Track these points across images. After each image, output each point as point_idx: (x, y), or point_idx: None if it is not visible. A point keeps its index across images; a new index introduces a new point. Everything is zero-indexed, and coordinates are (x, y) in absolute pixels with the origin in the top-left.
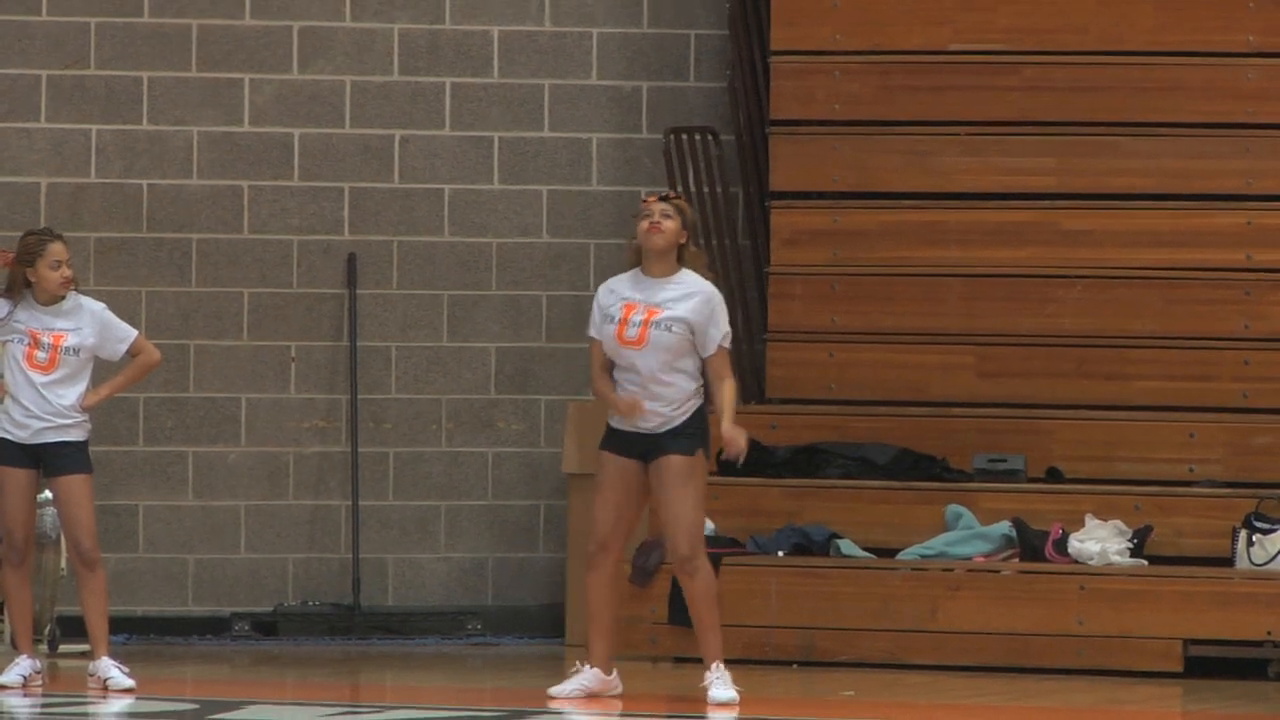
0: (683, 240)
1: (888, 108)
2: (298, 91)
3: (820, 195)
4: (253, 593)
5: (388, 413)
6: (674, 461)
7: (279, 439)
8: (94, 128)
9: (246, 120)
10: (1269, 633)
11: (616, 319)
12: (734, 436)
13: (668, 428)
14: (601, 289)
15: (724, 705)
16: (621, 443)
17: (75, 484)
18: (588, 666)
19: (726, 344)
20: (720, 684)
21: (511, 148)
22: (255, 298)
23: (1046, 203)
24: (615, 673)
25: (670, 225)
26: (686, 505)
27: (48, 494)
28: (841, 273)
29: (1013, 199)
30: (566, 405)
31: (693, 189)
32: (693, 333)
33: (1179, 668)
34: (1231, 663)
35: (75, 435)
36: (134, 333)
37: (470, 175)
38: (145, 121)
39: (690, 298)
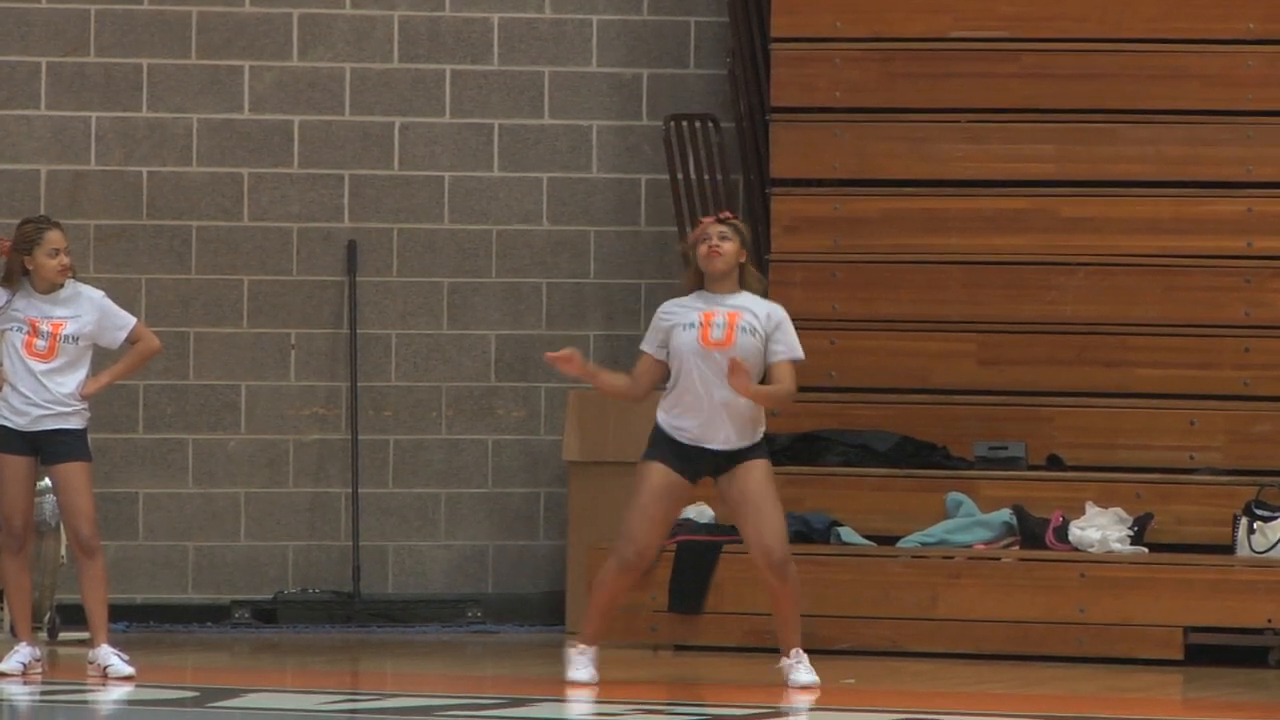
0: (742, 260)
1: (888, 95)
2: (298, 79)
3: (821, 183)
4: (253, 580)
5: (388, 400)
6: (759, 468)
7: (279, 426)
8: (94, 115)
9: (246, 107)
10: (1269, 620)
11: (697, 323)
12: (736, 365)
13: (740, 446)
14: (664, 308)
15: (807, 688)
16: (679, 458)
17: (74, 471)
18: (587, 647)
19: (794, 355)
20: (802, 668)
21: (511, 135)
22: (255, 285)
23: (1047, 190)
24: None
25: (729, 247)
26: (778, 511)
27: (47, 482)
28: (842, 260)
29: (1013, 186)
30: (567, 393)
31: (693, 176)
32: (763, 347)
33: (1180, 655)
34: (1232, 650)
35: (74, 423)
36: (133, 320)
37: (470, 162)
38: (145, 109)
39: (758, 308)
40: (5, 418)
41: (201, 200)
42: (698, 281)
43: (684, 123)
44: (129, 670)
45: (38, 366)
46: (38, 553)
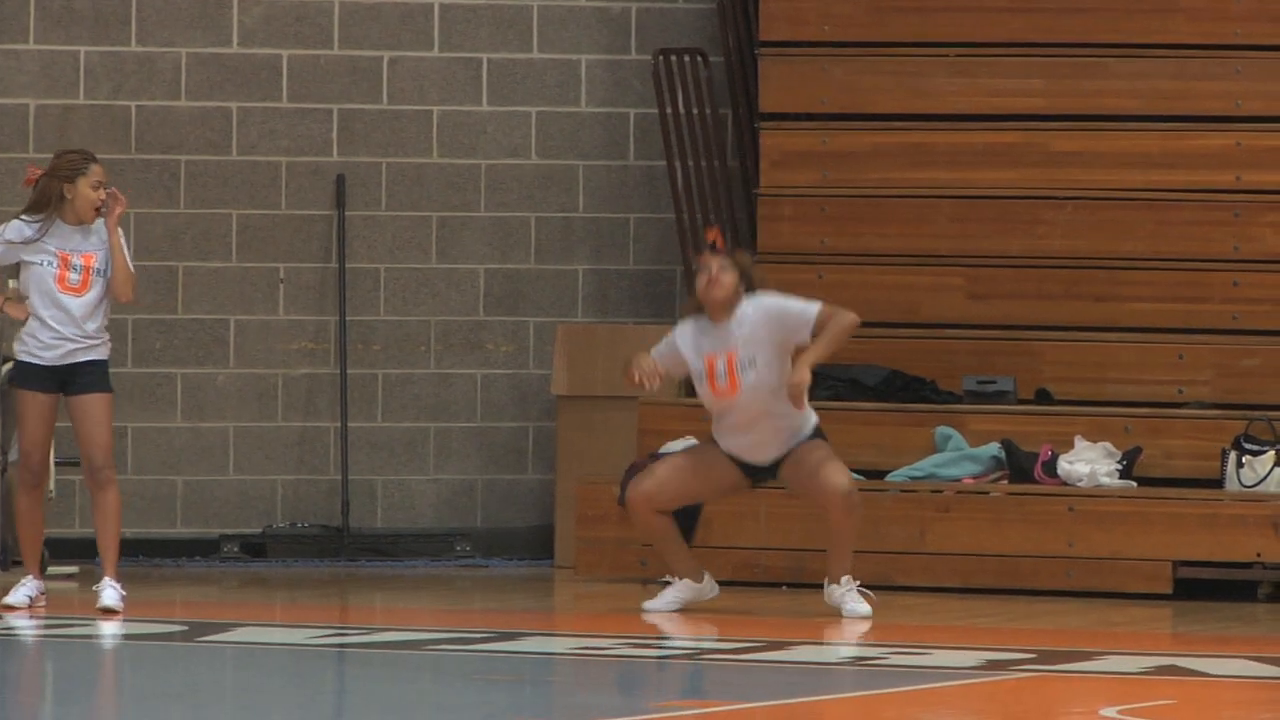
0: (742, 291)
1: (877, 29)
2: (286, 12)
3: (810, 117)
4: (241, 514)
5: (376, 334)
6: (816, 446)
7: (267, 361)
8: (82, 49)
9: (235, 41)
10: (1258, 554)
11: (703, 375)
12: (797, 380)
13: (789, 447)
14: (679, 334)
15: (865, 618)
16: (739, 457)
17: (97, 403)
18: (677, 579)
19: (813, 309)
20: (853, 597)
21: (500, 69)
22: (244, 219)
23: (1036, 124)
24: (708, 577)
25: (728, 279)
26: (839, 467)
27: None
28: (831, 194)
29: (1002, 120)
30: (555, 327)
31: (682, 110)
32: (781, 345)
33: (1168, 589)
34: (1221, 584)
35: (101, 354)
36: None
37: (459, 97)
38: (133, 43)
39: (753, 324)
40: (32, 354)
41: (190, 134)
42: (698, 305)
43: (673, 57)
44: (111, 603)
45: (71, 300)
46: None
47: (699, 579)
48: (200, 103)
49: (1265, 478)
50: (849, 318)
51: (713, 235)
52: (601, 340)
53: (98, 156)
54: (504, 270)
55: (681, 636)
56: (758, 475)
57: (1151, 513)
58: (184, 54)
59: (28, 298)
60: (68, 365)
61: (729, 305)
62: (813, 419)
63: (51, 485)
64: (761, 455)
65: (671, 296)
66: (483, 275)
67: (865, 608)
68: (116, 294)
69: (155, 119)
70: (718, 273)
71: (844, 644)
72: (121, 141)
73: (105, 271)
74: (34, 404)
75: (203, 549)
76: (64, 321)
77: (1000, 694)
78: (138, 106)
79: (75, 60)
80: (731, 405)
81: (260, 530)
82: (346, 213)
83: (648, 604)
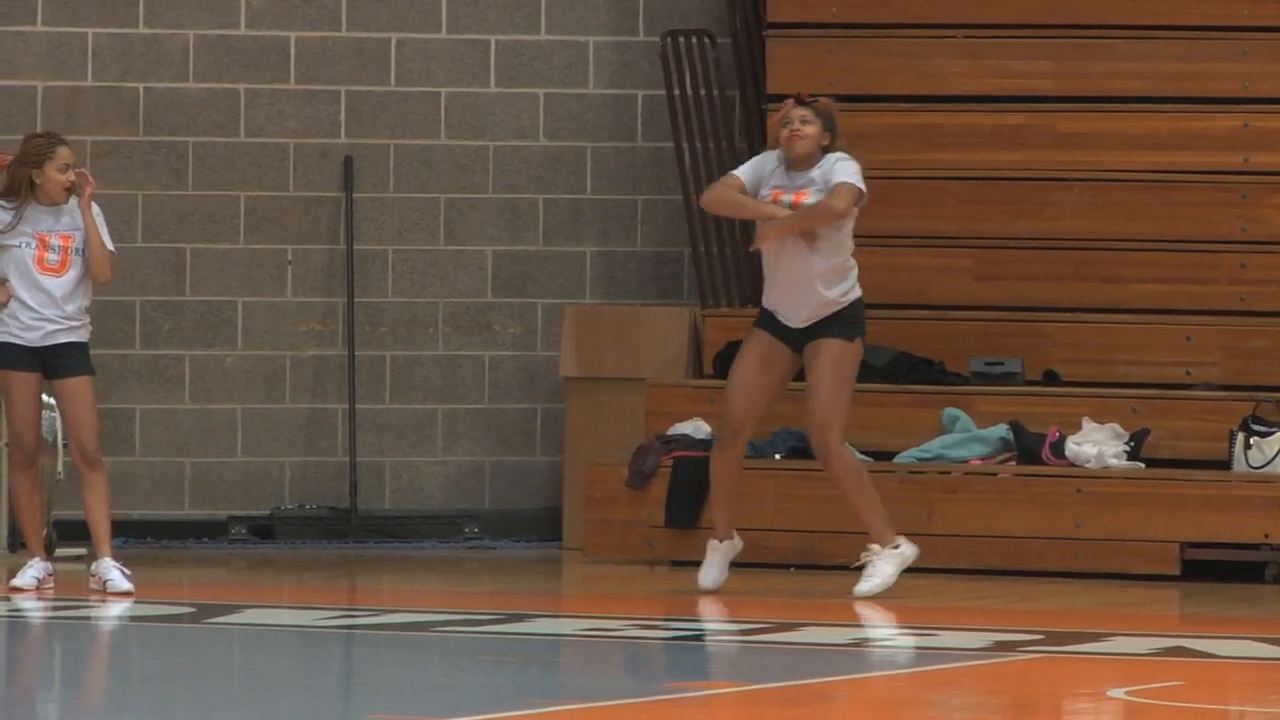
0: (825, 143)
1: (884, 10)
2: None
3: (817, 98)
4: (249, 496)
5: (384, 316)
6: (831, 345)
7: (275, 342)
8: (90, 31)
9: (243, 23)
10: (1266, 535)
11: (766, 201)
12: (768, 229)
13: (825, 315)
14: (764, 160)
15: (866, 598)
16: (778, 327)
17: (80, 385)
18: (717, 541)
19: (848, 178)
20: (869, 570)
21: (508, 51)
22: (251, 201)
23: (1043, 105)
24: (735, 534)
25: (810, 130)
26: (834, 391)
27: (45, 399)
28: None
29: (1010, 102)
30: (563, 308)
31: (689, 92)
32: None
33: (1176, 570)
34: (1228, 565)
35: (81, 336)
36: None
37: (467, 78)
38: (141, 24)
39: (825, 182)
40: (13, 335)
41: (198, 116)
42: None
43: (681, 38)
44: (127, 586)
45: (51, 281)
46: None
47: (730, 536)
48: (208, 84)
49: (1273, 459)
50: (834, 204)
51: (805, 95)
52: (609, 322)
53: (67, 138)
54: (512, 252)
55: (689, 618)
56: (800, 342)
57: (1159, 494)
58: (192, 35)
59: (7, 280)
60: (48, 347)
61: (809, 158)
62: (854, 293)
63: (60, 467)
64: (792, 314)
65: (679, 278)
66: (490, 257)
67: (866, 585)
68: (94, 274)
69: (163, 101)
70: (800, 125)
71: (852, 625)
72: (129, 123)
73: (84, 251)
74: (20, 383)
75: (211, 530)
76: (44, 303)
77: (1008, 675)
78: (145, 88)
79: (83, 42)
80: (781, 246)
81: (268, 512)
82: (354, 194)
83: (705, 583)
